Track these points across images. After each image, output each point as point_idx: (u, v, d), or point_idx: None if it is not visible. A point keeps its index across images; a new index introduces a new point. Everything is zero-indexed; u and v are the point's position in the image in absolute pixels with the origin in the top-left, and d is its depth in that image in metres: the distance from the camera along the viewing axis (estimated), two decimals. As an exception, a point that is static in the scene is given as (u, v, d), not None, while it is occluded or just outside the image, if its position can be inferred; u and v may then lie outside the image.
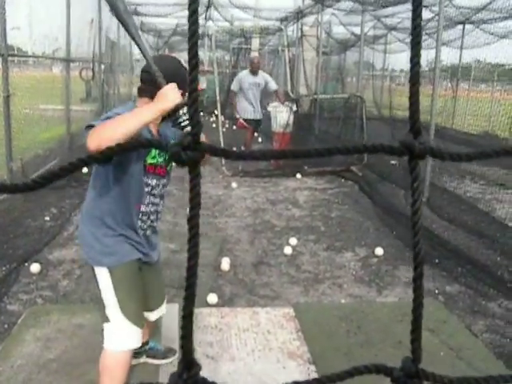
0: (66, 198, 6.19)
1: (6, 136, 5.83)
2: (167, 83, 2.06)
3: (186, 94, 2.27)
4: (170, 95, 2.00)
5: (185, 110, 2.02)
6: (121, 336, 2.31)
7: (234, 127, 11.90)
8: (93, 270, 2.34)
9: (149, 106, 2.03)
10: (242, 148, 9.65)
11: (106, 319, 2.31)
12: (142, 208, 2.34)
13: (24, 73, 9.30)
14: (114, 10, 2.07)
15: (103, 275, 2.28)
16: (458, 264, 4.64)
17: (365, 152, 0.43)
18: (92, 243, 2.30)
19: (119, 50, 11.96)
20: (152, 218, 2.41)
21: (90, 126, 1.94)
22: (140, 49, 2.13)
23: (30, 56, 8.94)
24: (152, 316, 2.64)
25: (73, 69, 10.40)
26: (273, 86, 9.35)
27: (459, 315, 3.79)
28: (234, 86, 9.28)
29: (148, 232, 2.42)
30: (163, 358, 2.95)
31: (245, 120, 9.06)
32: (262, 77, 9.26)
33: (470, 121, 13.91)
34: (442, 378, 0.47)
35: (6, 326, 3.43)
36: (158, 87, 2.05)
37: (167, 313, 3.49)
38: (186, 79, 2.24)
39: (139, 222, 2.35)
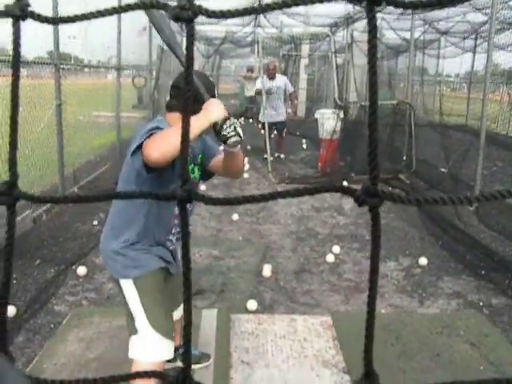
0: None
1: (58, 143, 6.05)
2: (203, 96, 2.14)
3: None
4: (217, 107, 2.07)
5: (228, 122, 2.06)
6: (151, 348, 2.27)
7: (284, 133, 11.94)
8: (118, 283, 2.34)
9: (197, 119, 2.02)
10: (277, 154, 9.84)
11: (134, 331, 2.29)
12: (175, 221, 2.37)
13: (79, 81, 9.63)
14: (160, 32, 2.09)
15: (129, 287, 2.29)
16: (505, 276, 4.50)
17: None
18: (114, 257, 2.31)
19: (170, 57, 12.18)
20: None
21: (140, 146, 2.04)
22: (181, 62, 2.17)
23: (79, 65, 9.23)
24: (176, 314, 2.63)
25: (126, 76, 10.70)
26: (290, 88, 10.08)
27: (504, 329, 3.68)
28: (258, 85, 9.68)
29: (175, 245, 2.47)
30: (197, 363, 2.98)
31: (266, 123, 9.42)
32: (281, 80, 9.87)
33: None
34: (401, 197, 0.47)
35: (52, 325, 3.57)
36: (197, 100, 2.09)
37: (205, 318, 3.56)
38: (214, 85, 2.36)
39: (171, 236, 2.40)
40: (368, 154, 0.46)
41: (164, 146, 1.94)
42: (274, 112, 9.63)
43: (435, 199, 0.46)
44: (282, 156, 10.20)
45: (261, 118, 9.82)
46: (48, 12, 5.85)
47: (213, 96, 2.22)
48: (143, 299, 2.27)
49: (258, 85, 9.66)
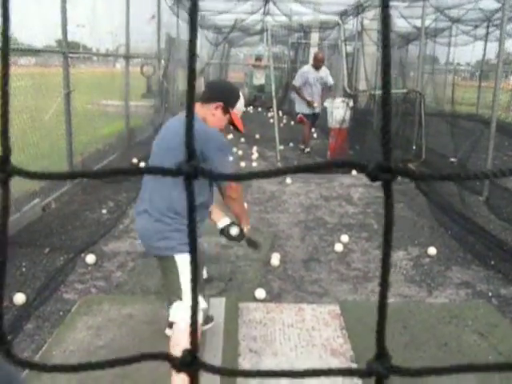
0: (122, 191, 6.37)
1: (66, 131, 6.06)
2: (224, 101, 2.71)
3: (234, 109, 2.79)
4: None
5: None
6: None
7: (292, 122, 11.88)
8: (165, 260, 2.64)
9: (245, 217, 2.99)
10: (302, 147, 9.71)
11: (179, 298, 2.56)
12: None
13: (88, 69, 9.63)
14: None
15: (184, 260, 2.56)
16: (515, 266, 4.47)
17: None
18: (174, 235, 2.61)
19: (178, 45, 12.14)
20: None
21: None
22: None
23: (88, 53, 9.21)
24: None
25: (135, 65, 10.69)
26: (330, 80, 9.62)
27: (513, 319, 3.66)
28: (296, 82, 9.42)
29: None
30: (205, 324, 3.11)
31: (304, 115, 9.22)
32: (324, 71, 9.52)
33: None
34: (415, 172, 0.45)
35: (61, 313, 3.59)
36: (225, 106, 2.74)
37: (214, 306, 3.57)
38: (239, 98, 2.80)
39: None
40: (381, 128, 0.43)
41: (240, 200, 2.87)
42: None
43: (450, 175, 0.44)
44: (307, 150, 9.65)
45: (297, 109, 9.53)
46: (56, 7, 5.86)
47: (235, 101, 2.77)
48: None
49: (298, 79, 9.37)
